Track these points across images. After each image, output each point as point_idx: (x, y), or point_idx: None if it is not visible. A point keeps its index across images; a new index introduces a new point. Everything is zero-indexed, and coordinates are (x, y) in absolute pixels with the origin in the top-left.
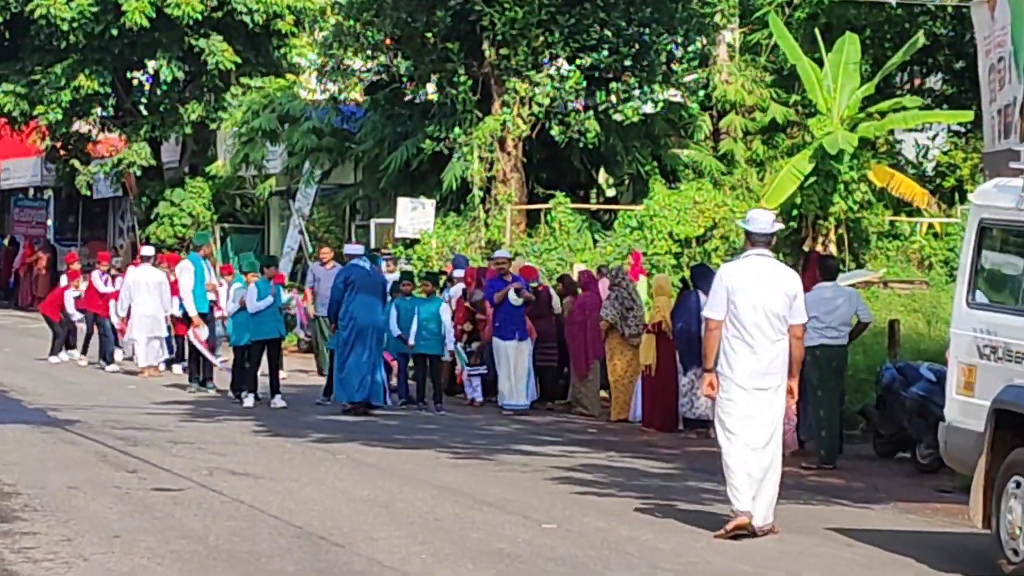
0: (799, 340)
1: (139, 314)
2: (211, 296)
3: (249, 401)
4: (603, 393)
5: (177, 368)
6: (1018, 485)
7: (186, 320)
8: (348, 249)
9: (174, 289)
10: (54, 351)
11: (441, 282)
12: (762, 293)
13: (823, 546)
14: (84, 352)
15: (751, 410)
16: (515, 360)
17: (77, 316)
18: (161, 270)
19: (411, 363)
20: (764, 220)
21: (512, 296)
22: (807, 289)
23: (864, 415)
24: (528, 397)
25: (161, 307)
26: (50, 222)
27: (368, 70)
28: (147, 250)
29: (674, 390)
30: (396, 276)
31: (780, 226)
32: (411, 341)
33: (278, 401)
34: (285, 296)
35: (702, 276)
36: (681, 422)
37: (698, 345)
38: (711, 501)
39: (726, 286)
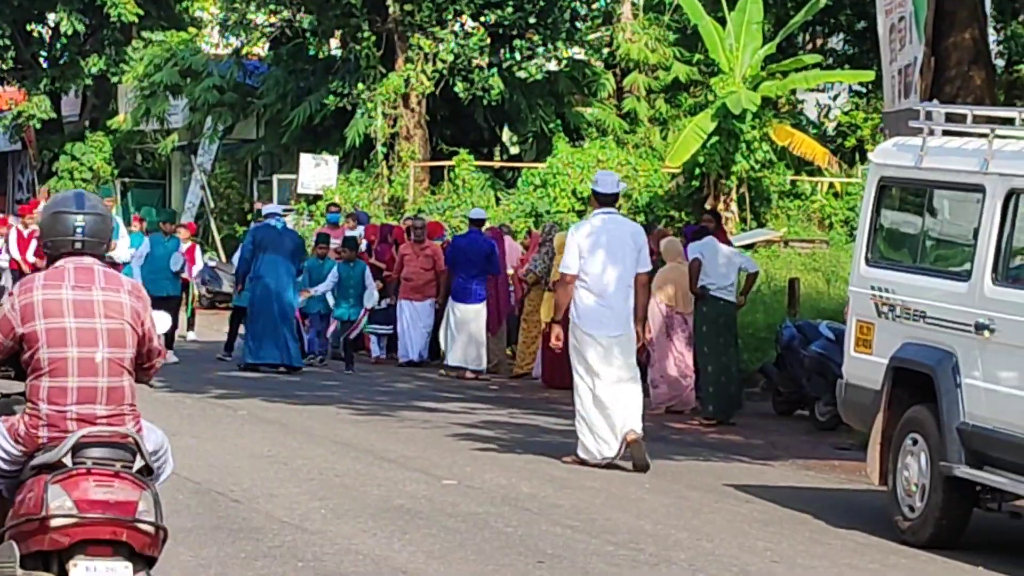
0: (644, 287)
1: None
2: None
3: None
4: (508, 351)
5: None
6: (914, 442)
7: None
8: (266, 209)
9: None
10: None
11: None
12: (611, 248)
13: (722, 502)
14: None
15: (605, 355)
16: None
17: None
18: None
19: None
20: (610, 181)
21: None
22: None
23: (763, 373)
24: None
25: None
26: None
27: (271, 24)
28: None
29: None
30: (356, 232)
31: (624, 186)
32: (317, 291)
33: (170, 356)
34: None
35: None
36: None
37: None
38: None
39: (577, 243)
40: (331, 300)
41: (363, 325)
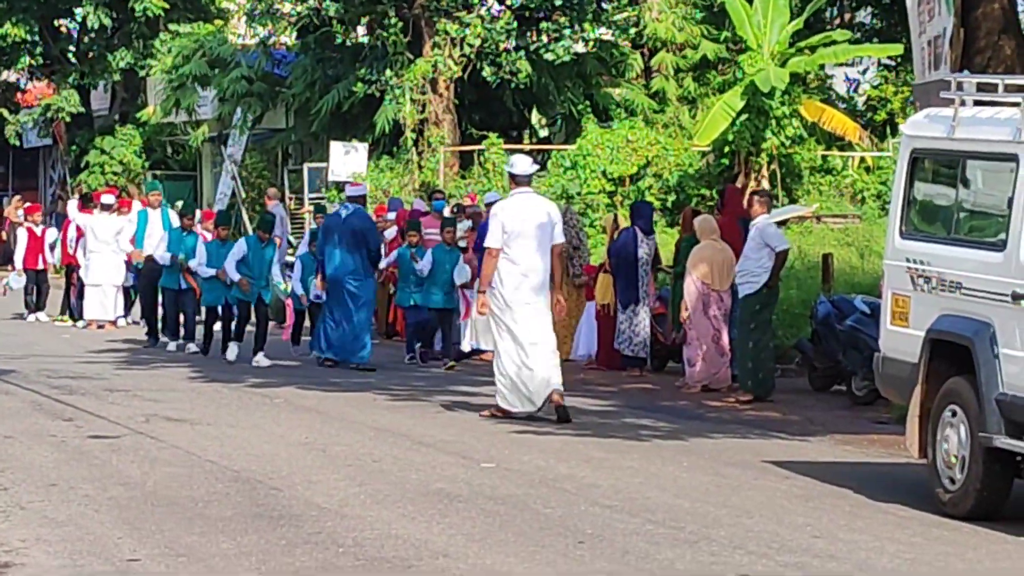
0: (559, 258)
1: (97, 265)
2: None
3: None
4: None
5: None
6: (953, 414)
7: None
8: (350, 191)
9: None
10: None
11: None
12: (528, 223)
13: (761, 479)
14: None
15: (522, 318)
16: None
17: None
18: (119, 217)
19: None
20: (524, 164)
21: None
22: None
23: (799, 349)
24: None
25: (119, 257)
26: None
27: (297, 13)
28: (107, 198)
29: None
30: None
31: (537, 167)
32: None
33: (262, 360)
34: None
35: (640, 213)
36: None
37: (635, 282)
38: (648, 437)
39: (500, 220)
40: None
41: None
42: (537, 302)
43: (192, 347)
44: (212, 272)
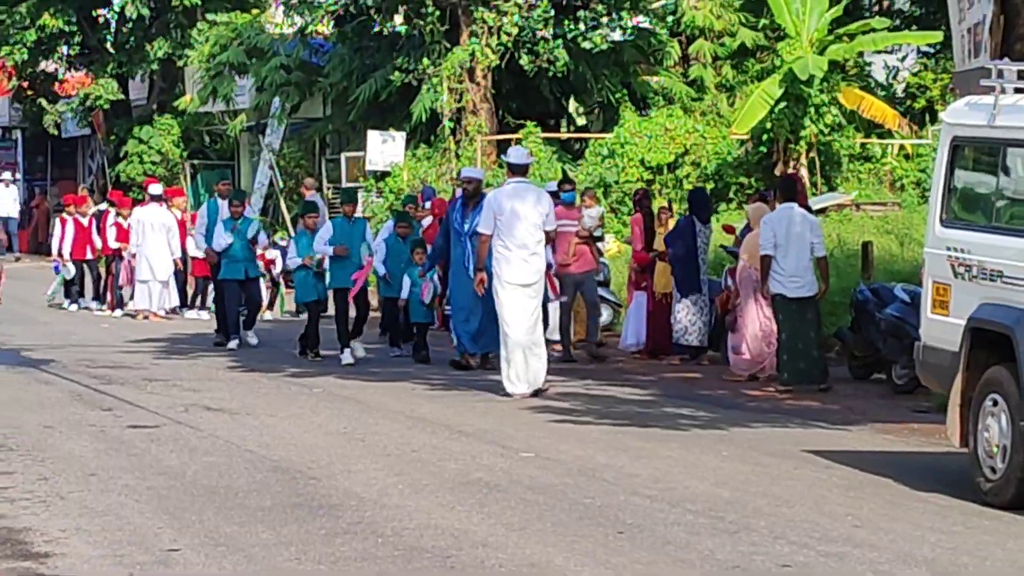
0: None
1: (145, 256)
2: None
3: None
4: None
5: (191, 314)
6: (995, 403)
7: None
8: (466, 173)
9: (183, 229)
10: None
11: None
12: (522, 212)
13: (801, 468)
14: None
15: (520, 302)
16: None
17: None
18: (169, 211)
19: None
20: (520, 155)
21: None
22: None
23: (839, 337)
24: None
25: (168, 249)
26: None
27: (335, 2)
28: (155, 188)
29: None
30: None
31: (533, 159)
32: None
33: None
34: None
35: (699, 202)
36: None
37: (696, 271)
38: (688, 427)
39: (493, 208)
40: None
41: None
42: (534, 285)
43: (252, 338)
44: (300, 261)
